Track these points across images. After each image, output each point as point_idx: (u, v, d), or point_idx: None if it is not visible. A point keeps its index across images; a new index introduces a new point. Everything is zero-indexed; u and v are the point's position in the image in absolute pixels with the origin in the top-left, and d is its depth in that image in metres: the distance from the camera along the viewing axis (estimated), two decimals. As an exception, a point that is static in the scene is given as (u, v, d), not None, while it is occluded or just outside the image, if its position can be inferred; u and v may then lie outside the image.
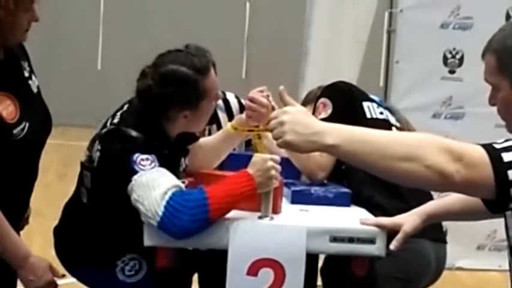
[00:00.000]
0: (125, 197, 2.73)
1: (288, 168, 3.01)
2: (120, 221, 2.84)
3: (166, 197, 2.61)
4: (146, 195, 2.62)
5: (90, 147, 2.82)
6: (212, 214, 2.62)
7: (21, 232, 2.94)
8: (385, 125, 3.38)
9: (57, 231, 3.01)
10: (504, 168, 1.91)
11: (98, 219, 2.87)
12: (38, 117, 2.74)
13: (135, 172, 2.65)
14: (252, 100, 3.06)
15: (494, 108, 2.18)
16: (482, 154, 1.93)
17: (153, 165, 2.67)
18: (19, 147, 2.64)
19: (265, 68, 12.17)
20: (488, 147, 1.95)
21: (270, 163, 2.65)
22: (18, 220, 2.79)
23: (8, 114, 2.61)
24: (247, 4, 13.01)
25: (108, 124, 2.82)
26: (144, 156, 2.67)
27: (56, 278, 2.72)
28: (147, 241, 2.69)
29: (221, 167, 3.37)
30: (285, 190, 3.02)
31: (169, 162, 2.75)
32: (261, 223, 2.70)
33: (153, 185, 2.62)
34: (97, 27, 13.01)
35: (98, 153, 2.77)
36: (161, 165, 2.70)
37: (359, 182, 3.13)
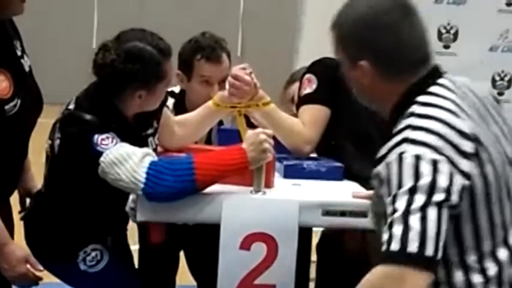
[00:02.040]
0: (86, 185, 2.73)
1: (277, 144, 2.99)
2: (81, 210, 2.82)
3: (145, 164, 2.60)
4: (121, 170, 2.61)
5: (52, 135, 2.79)
6: (198, 178, 2.61)
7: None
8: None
9: (25, 220, 2.98)
10: None
11: (58, 208, 2.84)
12: (30, 96, 2.73)
13: (100, 154, 2.62)
14: (235, 77, 3.01)
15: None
16: None
17: (114, 141, 2.65)
18: (10, 123, 2.62)
19: (261, 46, 12.13)
20: None
21: (263, 136, 2.65)
22: (7, 197, 2.78)
23: (2, 90, 2.59)
24: (242, -18, 12.97)
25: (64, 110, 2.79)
26: (104, 136, 2.64)
27: (36, 271, 2.68)
28: (140, 217, 2.68)
29: (210, 142, 3.36)
30: (278, 165, 3.02)
31: (134, 142, 2.71)
32: (253, 197, 2.70)
33: (123, 159, 2.61)
34: (92, 5, 12.95)
35: (58, 141, 2.75)
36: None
37: (348, 156, 3.12)
